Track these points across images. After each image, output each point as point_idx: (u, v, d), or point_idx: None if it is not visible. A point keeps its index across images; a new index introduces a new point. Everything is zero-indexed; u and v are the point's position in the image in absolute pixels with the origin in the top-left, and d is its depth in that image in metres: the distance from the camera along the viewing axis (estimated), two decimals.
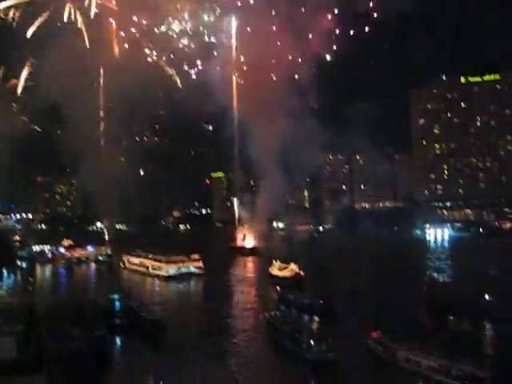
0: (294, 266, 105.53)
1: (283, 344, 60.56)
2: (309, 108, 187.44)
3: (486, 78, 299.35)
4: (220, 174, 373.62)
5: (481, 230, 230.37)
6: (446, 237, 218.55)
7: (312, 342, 55.48)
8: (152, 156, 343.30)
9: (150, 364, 52.09)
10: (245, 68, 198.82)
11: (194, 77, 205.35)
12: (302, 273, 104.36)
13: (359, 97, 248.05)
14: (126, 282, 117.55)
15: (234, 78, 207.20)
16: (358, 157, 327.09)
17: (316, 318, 75.06)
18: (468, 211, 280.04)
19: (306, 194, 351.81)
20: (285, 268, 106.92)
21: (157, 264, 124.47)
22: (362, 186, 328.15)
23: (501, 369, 45.85)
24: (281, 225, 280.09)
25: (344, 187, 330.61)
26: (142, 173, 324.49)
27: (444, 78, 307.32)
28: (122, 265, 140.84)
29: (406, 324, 67.04)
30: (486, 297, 74.05)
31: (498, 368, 46.08)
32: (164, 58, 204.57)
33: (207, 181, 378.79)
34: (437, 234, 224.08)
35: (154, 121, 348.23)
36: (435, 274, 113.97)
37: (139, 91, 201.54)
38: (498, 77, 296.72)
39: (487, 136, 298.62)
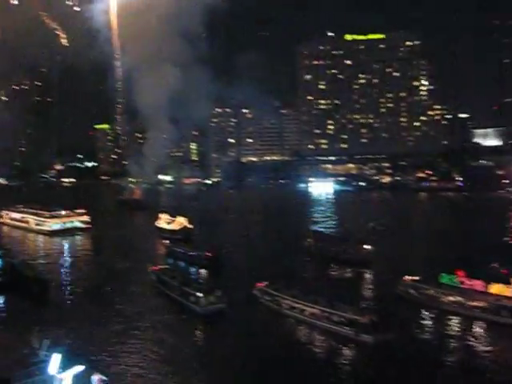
0: (181, 219, 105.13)
1: (172, 297, 60.55)
2: (197, 58, 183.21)
3: (371, 36, 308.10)
4: (105, 126, 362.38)
5: (362, 184, 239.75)
6: (330, 190, 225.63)
7: (200, 295, 55.88)
8: (34, 107, 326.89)
9: (32, 322, 50.23)
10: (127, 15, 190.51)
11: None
12: (189, 226, 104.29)
13: (248, 49, 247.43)
14: (6, 238, 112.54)
15: (115, 25, 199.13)
16: (245, 110, 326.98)
17: (203, 271, 75.57)
18: (351, 166, 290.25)
19: (193, 146, 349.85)
20: (172, 221, 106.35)
21: (39, 219, 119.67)
22: (249, 140, 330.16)
23: (378, 314, 48.26)
24: (168, 178, 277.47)
25: (231, 140, 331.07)
26: (23, 125, 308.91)
27: (330, 34, 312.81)
28: (1, 220, 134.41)
29: (291, 273, 69.16)
30: (367, 247, 77.57)
31: (376, 313, 48.47)
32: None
33: (90, 132, 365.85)
34: (321, 188, 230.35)
35: (35, 71, 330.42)
36: (319, 226, 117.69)
37: (22, 43, 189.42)
38: (382, 36, 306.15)
39: (370, 93, 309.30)
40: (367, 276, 71.01)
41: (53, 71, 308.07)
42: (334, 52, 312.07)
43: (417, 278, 59.00)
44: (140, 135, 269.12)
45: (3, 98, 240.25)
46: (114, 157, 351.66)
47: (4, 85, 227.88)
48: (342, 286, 64.84)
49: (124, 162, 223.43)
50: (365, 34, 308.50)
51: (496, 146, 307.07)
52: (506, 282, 54.03)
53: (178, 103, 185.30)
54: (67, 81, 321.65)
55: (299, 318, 52.35)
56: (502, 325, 48.98)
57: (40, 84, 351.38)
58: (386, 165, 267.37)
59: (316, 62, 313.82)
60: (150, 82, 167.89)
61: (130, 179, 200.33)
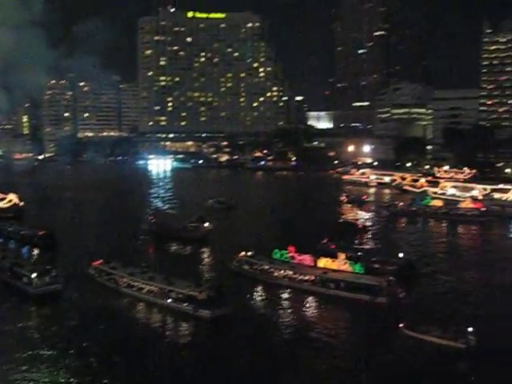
0: (12, 197, 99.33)
1: (3, 279, 57.19)
2: (32, 21, 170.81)
3: (212, 15, 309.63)
4: None
5: (201, 162, 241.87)
6: (169, 168, 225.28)
7: (33, 275, 53.37)
8: None
9: None
10: None
11: None
12: (21, 203, 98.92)
13: (90, 18, 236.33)
14: None
15: None
16: (82, 83, 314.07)
17: (37, 250, 72.23)
18: (190, 143, 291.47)
19: (25, 119, 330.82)
20: (3, 199, 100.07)
21: None
22: (86, 114, 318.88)
23: (215, 289, 49.43)
24: None
25: (67, 114, 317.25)
26: None
27: (172, 10, 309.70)
28: None
29: (129, 252, 68.41)
30: (206, 224, 78.76)
31: (213, 288, 49.57)
32: None
33: None
34: (160, 165, 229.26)
35: None
36: (158, 203, 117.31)
37: None
38: (223, 16, 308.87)
39: (210, 72, 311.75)
40: (206, 253, 72.21)
41: None
42: (175, 28, 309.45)
43: (250, 253, 60.95)
44: None
45: None
46: None
47: None
48: (180, 263, 65.30)
49: None
50: (207, 13, 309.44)
51: (328, 129, 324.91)
52: (334, 257, 57.70)
53: (7, 68, 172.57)
54: None
55: (137, 295, 51.96)
56: (329, 296, 52.25)
57: None
58: (225, 143, 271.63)
59: (157, 38, 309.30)
60: None
61: None
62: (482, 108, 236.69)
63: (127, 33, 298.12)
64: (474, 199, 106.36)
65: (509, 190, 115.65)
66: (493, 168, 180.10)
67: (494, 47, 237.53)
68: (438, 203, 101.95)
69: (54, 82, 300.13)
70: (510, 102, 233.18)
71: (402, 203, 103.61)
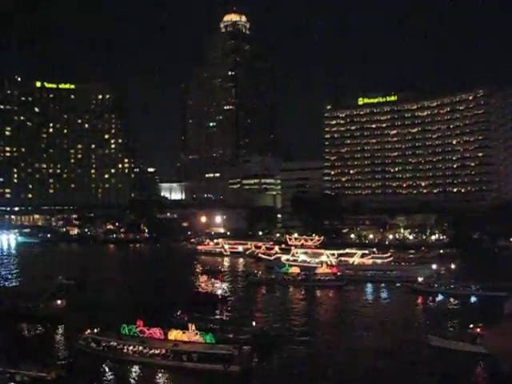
0: None
1: None
2: None
3: (62, 86, 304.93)
4: None
5: (49, 235, 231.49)
6: (14, 243, 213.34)
7: None
8: None
9: None
10: None
11: None
12: None
13: None
14: None
15: None
16: None
17: None
18: (37, 217, 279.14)
19: None
20: None
21: None
22: None
23: (67, 367, 47.38)
24: None
25: None
26: None
27: (19, 79, 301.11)
28: None
29: None
30: (58, 301, 75.33)
31: (65, 367, 47.47)
32: None
33: None
34: (4, 240, 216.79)
35: None
36: (3, 281, 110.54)
37: None
38: (73, 86, 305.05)
39: (59, 143, 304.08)
40: (57, 331, 68.82)
41: None
42: (22, 98, 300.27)
43: (97, 330, 59.05)
44: None
45: None
46: None
47: None
48: (29, 343, 61.74)
49: None
50: (57, 83, 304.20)
51: (180, 200, 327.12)
52: (185, 328, 57.49)
53: None
54: None
55: None
56: (182, 368, 51.82)
57: None
58: (75, 216, 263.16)
59: (2, 107, 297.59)
60: None
61: None
62: (326, 178, 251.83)
63: None
64: (330, 265, 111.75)
65: (354, 254, 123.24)
66: (339, 234, 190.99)
67: (334, 122, 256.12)
68: (296, 270, 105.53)
69: None
70: (351, 171, 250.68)
71: (260, 272, 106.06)
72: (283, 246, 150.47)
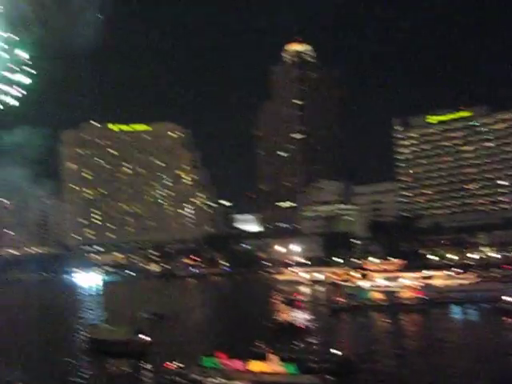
0: None
1: None
2: None
3: (136, 127, 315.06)
4: None
5: (132, 273, 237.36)
6: (100, 281, 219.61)
7: None
8: None
9: None
10: None
11: None
12: None
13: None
14: None
15: None
16: (3, 200, 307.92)
17: None
18: (119, 255, 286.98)
19: None
20: None
21: None
22: (10, 232, 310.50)
23: None
24: None
25: None
26: None
27: (94, 123, 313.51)
28: None
29: (65, 373, 65.43)
30: (143, 336, 76.66)
31: None
32: None
33: None
34: (89, 279, 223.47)
35: None
36: (91, 318, 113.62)
37: None
38: (147, 128, 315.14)
39: (136, 182, 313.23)
40: (145, 367, 69.97)
41: None
42: (98, 141, 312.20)
43: (180, 364, 59.48)
44: None
45: None
46: None
47: None
48: (120, 380, 62.99)
49: None
50: (128, 124, 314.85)
51: (256, 231, 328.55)
52: (266, 359, 57.00)
53: None
54: None
55: None
56: None
57: None
58: (155, 253, 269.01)
59: (80, 151, 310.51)
60: None
61: None
62: (401, 200, 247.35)
63: (51, 146, 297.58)
64: (412, 288, 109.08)
65: (437, 275, 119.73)
66: (419, 256, 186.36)
67: (405, 142, 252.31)
68: (378, 295, 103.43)
69: None
70: (427, 192, 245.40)
71: (341, 299, 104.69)
72: (363, 271, 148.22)
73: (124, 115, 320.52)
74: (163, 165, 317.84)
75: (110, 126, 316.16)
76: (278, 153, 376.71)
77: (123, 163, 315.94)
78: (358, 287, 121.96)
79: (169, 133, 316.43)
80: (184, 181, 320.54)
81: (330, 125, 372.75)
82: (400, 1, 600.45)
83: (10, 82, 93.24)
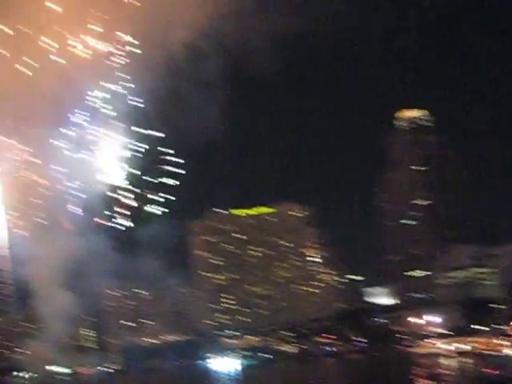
0: None
1: None
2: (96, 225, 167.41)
3: (260, 210, 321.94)
4: None
5: (267, 355, 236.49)
6: (236, 366, 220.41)
7: None
8: None
9: None
10: None
11: None
12: None
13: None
14: None
15: None
16: (141, 290, 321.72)
17: None
18: (253, 338, 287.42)
19: (88, 331, 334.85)
20: None
21: None
22: (148, 321, 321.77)
23: None
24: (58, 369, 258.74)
25: (129, 323, 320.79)
26: None
27: (219, 210, 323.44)
28: None
29: None
30: None
31: None
32: None
33: None
34: (226, 364, 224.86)
35: None
36: None
37: None
38: (271, 210, 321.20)
39: (265, 265, 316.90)
40: None
41: None
42: (224, 227, 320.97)
43: None
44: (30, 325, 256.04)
45: None
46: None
47: None
48: None
49: None
50: (250, 208, 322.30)
51: (390, 304, 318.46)
52: None
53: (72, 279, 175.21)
54: None
55: None
56: None
57: None
58: (289, 334, 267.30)
59: (209, 239, 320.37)
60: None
61: None
62: None
63: (181, 236, 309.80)
64: None
65: None
66: None
67: None
68: None
69: (115, 293, 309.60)
70: None
71: (489, 370, 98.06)
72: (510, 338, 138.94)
73: (246, 199, 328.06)
74: (290, 245, 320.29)
75: (234, 211, 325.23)
76: (404, 221, 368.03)
77: (250, 247, 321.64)
78: (507, 356, 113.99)
79: (292, 213, 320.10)
80: (312, 259, 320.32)
81: (456, 187, 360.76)
82: None
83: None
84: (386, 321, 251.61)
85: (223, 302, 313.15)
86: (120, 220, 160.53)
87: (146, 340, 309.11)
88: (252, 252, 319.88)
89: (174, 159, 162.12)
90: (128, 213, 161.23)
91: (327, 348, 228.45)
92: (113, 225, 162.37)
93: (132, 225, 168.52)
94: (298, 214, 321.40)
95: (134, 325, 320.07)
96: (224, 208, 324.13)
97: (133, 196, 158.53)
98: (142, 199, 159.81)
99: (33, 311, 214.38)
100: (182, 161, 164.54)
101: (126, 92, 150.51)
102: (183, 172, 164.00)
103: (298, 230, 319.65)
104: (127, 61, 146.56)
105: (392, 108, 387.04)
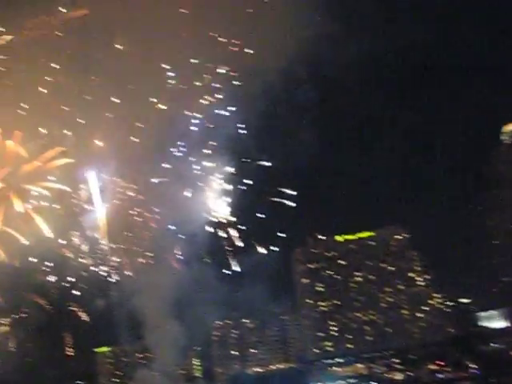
0: None
1: None
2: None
3: (360, 235, 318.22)
4: (105, 349, 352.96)
5: (375, 383, 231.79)
6: None
7: None
8: None
9: None
10: None
11: None
12: None
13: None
14: None
15: None
16: (246, 320, 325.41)
17: None
18: (360, 365, 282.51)
19: (196, 362, 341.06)
20: None
21: None
22: (253, 350, 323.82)
23: None
24: None
25: (234, 352, 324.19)
26: None
27: (321, 237, 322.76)
28: None
29: None
30: None
31: None
32: None
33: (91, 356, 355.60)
34: None
35: None
36: None
37: None
38: (371, 234, 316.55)
39: (368, 290, 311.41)
40: None
41: None
42: (327, 254, 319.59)
43: None
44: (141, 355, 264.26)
45: None
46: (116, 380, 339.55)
47: None
48: None
49: None
50: (353, 234, 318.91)
51: (505, 328, 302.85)
52: None
53: (179, 310, 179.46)
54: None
55: None
56: None
57: None
58: (396, 360, 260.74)
59: (311, 266, 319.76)
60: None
61: None
62: None
63: (284, 264, 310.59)
64: None
65: None
66: None
67: None
68: None
69: (220, 323, 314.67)
70: None
71: None
72: None
73: (348, 225, 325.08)
74: (393, 269, 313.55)
75: (336, 237, 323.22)
76: None
77: (353, 272, 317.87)
78: None
79: (393, 236, 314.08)
80: (417, 283, 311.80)
81: None
82: None
83: None
84: (502, 346, 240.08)
85: (328, 329, 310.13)
86: (226, 253, 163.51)
87: (252, 369, 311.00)
88: (355, 277, 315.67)
89: (280, 189, 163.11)
90: (233, 248, 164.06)
91: (438, 375, 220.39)
92: (218, 256, 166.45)
93: (236, 256, 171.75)
94: (399, 237, 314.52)
95: (240, 354, 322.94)
96: (326, 234, 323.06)
97: (238, 228, 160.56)
98: (247, 232, 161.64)
99: (144, 342, 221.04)
100: (293, 192, 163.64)
101: (228, 124, 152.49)
102: (292, 204, 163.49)
103: (400, 253, 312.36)
104: (227, 92, 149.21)
105: (498, 121, 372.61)
